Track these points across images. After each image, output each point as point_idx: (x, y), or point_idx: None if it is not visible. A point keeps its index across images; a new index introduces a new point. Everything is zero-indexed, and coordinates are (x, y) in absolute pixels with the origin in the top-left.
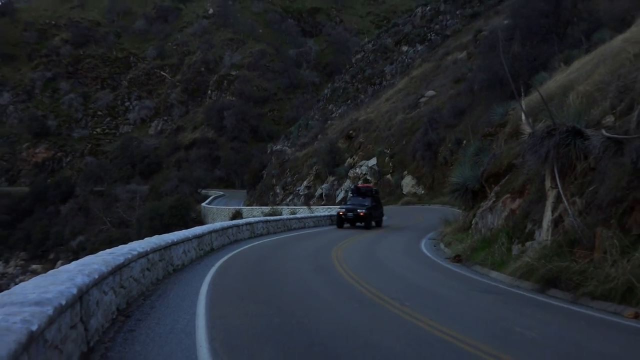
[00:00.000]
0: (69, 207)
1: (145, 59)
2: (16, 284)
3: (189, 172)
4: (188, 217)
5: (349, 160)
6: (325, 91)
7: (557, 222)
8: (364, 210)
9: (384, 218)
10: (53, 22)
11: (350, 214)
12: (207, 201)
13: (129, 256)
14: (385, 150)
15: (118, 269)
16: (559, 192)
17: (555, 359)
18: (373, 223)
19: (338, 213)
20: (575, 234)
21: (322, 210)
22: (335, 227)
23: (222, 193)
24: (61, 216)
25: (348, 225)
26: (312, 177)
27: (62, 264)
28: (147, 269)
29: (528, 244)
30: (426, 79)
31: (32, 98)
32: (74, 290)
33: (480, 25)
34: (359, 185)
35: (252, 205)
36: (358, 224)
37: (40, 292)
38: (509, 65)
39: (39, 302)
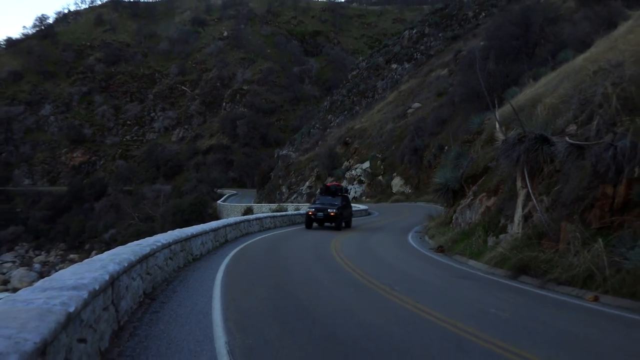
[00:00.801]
0: (102, 204)
1: (169, 75)
2: (56, 271)
3: (206, 174)
4: (205, 213)
5: (346, 163)
6: (325, 103)
7: (527, 218)
8: (334, 210)
9: (376, 213)
10: (88, 44)
11: (320, 213)
12: (222, 199)
13: (154, 247)
14: (377, 155)
15: (145, 258)
16: (528, 191)
17: (526, 336)
18: (343, 224)
19: (307, 213)
20: (543, 228)
21: None
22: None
23: (235, 192)
24: (95, 212)
25: (317, 225)
26: (314, 178)
27: (96, 254)
28: (170, 258)
29: (501, 236)
30: (413, 93)
31: (70, 109)
32: (107, 277)
33: (460, 46)
34: (328, 183)
35: (261, 203)
36: (327, 224)
37: (77, 278)
38: (484, 81)
39: (76, 287)
